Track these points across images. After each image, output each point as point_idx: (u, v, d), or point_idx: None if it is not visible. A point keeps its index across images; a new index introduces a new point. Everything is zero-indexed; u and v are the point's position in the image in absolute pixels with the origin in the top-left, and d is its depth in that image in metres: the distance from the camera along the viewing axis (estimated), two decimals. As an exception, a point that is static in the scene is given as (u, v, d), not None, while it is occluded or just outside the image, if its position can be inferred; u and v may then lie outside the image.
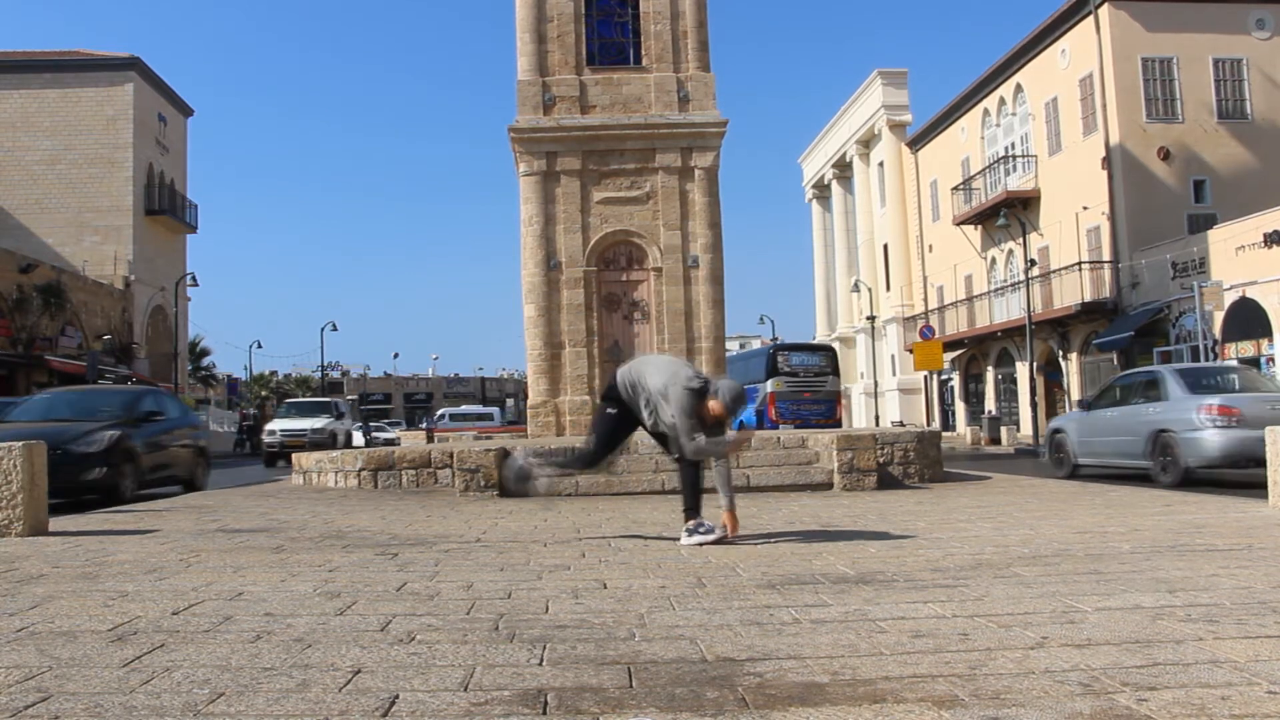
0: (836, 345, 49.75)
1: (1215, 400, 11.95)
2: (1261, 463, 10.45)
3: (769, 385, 25.13)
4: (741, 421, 5.89)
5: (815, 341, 41.70)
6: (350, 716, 2.53)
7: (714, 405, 5.87)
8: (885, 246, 45.16)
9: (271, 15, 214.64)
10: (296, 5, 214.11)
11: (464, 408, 51.58)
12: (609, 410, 6.26)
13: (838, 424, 25.04)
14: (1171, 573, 4.53)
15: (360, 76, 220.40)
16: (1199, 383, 12.83)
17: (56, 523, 7.67)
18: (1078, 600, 3.89)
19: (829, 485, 10.29)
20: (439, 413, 49.75)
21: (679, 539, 6.02)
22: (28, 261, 32.38)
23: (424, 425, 47.69)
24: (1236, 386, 12.90)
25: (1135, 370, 16.04)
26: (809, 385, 25.23)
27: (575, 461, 6.55)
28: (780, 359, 25.99)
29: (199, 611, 3.97)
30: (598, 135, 16.28)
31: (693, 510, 6.06)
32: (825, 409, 25.07)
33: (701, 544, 5.86)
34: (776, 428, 21.94)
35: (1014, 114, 34.22)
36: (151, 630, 3.60)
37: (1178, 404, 12.31)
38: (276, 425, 25.91)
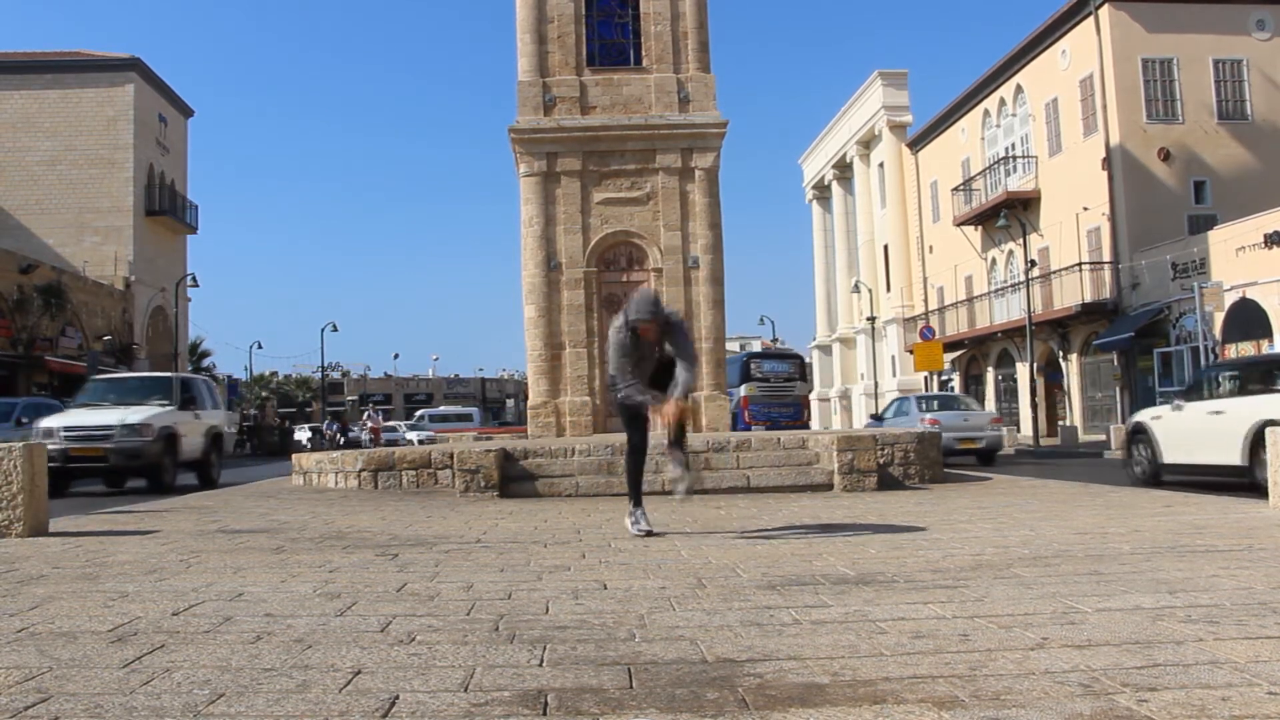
0: (837, 345, 50.23)
1: (929, 415, 20.01)
2: (952, 453, 17.59)
3: (742, 390, 26.74)
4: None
5: (784, 350, 43.76)
6: (350, 717, 2.53)
7: (642, 328, 6.28)
8: (885, 247, 45.16)
9: (271, 15, 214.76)
10: (296, 5, 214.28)
11: (443, 408, 51.59)
12: (621, 404, 6.59)
13: (805, 425, 27.21)
14: (1172, 573, 4.53)
15: (360, 77, 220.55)
16: (925, 405, 21.34)
17: (57, 523, 7.68)
18: (1078, 601, 3.89)
19: (829, 486, 10.29)
20: (418, 414, 49.47)
21: (644, 530, 6.43)
22: (28, 262, 32.39)
23: (367, 421, 40.04)
24: (957, 407, 21.47)
25: (898, 398, 24.55)
26: (779, 389, 27.48)
27: (630, 476, 6.72)
28: (753, 366, 28.06)
29: (199, 612, 3.97)
30: (598, 136, 16.28)
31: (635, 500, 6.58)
32: (793, 411, 27.32)
33: (639, 532, 6.37)
34: (750, 429, 23.23)
35: (1014, 115, 34.22)
36: (152, 631, 3.61)
37: (913, 416, 20.39)
38: (59, 420, 14.33)
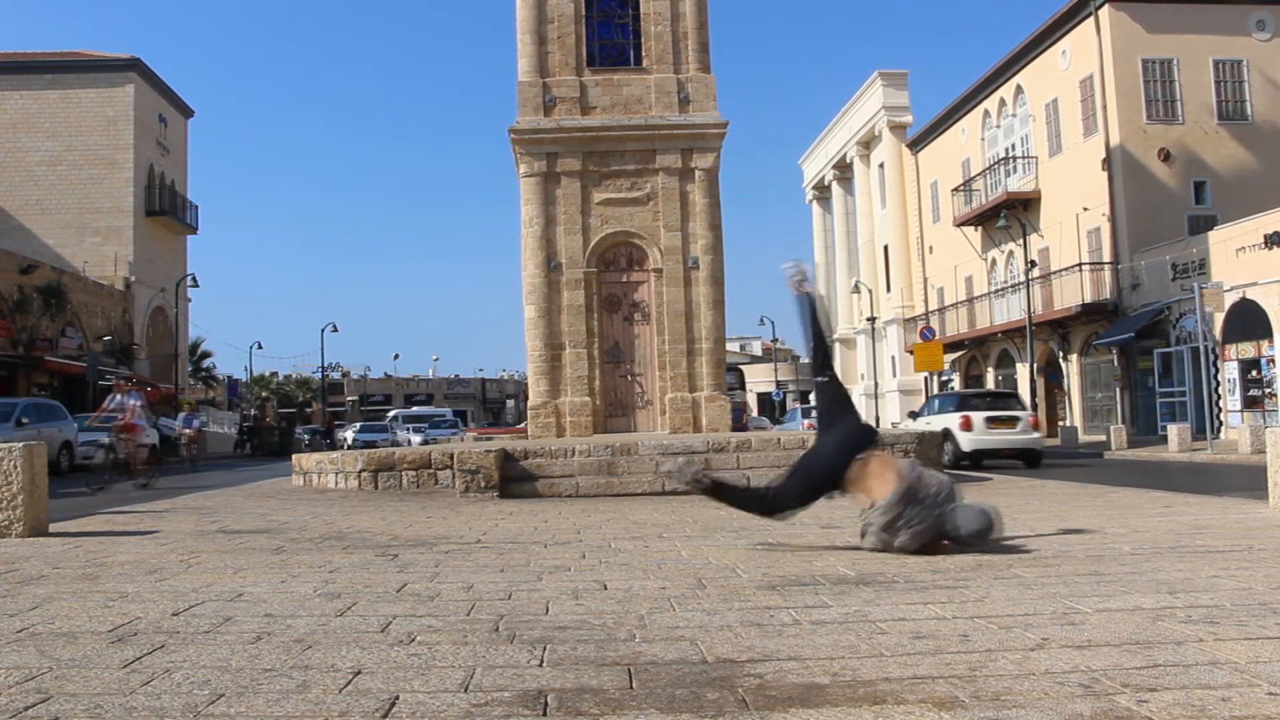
0: (837, 346, 50.27)
1: (808, 420, 25.25)
2: None
3: None
4: None
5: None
6: (350, 717, 2.53)
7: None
8: (885, 248, 45.16)
9: (271, 15, 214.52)
10: (296, 5, 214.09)
11: (415, 409, 50.30)
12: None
13: (744, 428, 29.37)
14: (1172, 574, 4.53)
15: (361, 77, 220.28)
16: (805, 413, 28.14)
17: (57, 524, 7.68)
18: (1078, 601, 3.89)
19: (829, 486, 10.28)
20: (391, 414, 48.44)
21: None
22: (28, 262, 32.39)
23: (116, 412, 19.99)
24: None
25: (793, 407, 30.75)
26: None
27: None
28: None
29: (199, 612, 3.97)
30: (598, 136, 16.28)
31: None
32: (734, 416, 31.49)
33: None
34: None
35: (1014, 115, 34.22)
36: (152, 631, 3.60)
37: (797, 422, 26.32)
38: None
